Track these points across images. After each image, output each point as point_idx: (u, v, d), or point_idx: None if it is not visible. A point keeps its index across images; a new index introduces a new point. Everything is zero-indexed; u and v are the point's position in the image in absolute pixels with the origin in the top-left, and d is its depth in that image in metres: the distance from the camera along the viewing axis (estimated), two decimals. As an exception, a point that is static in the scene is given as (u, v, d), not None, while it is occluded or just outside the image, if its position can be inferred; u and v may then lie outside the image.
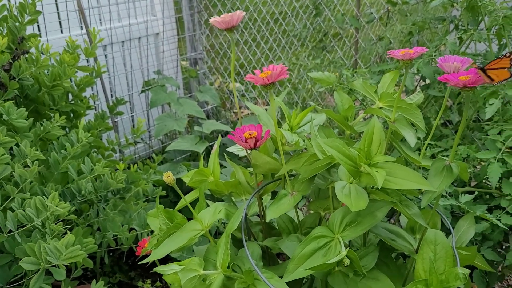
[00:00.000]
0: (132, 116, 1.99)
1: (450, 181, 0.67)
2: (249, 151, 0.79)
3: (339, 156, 0.65)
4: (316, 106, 0.82)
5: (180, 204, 0.89)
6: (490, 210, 1.17)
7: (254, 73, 0.70)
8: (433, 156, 1.18)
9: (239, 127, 0.80)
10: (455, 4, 1.29)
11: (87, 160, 1.12)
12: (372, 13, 1.68)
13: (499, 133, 1.19)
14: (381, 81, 0.88)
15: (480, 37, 1.13)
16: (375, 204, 0.67)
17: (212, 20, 0.76)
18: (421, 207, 0.73)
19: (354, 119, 0.87)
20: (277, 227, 0.87)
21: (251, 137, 0.77)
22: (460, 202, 0.99)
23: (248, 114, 2.53)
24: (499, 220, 1.08)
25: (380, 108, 0.84)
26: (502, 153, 1.02)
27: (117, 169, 1.23)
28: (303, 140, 0.79)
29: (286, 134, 0.76)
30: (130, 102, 1.98)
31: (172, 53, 2.20)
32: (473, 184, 1.25)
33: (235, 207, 0.83)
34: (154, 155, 1.52)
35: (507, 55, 0.64)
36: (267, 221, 0.76)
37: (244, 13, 0.78)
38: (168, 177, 0.72)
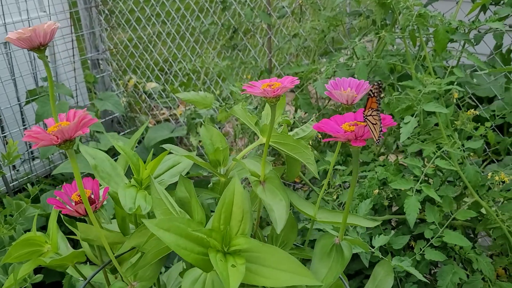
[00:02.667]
0: (22, 129, 1.69)
1: (341, 268, 0.48)
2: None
3: (179, 244, 0.44)
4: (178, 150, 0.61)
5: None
6: (414, 238, 1.02)
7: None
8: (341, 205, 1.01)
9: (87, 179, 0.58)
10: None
11: None
12: (284, 7, 1.48)
13: (420, 153, 1.03)
14: (266, 106, 0.68)
15: (392, 40, 0.96)
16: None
17: (7, 37, 0.53)
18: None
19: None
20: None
21: (80, 201, 0.55)
22: (374, 247, 0.82)
23: (168, 115, 2.29)
24: (422, 254, 0.93)
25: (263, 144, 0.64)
26: (420, 182, 0.86)
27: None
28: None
29: (122, 195, 0.54)
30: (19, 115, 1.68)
31: (69, 54, 1.92)
32: (394, 208, 1.10)
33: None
34: (29, 185, 1.26)
35: (372, 91, 0.46)
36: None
37: (58, 24, 0.55)
38: None
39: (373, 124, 0.44)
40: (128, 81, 2.29)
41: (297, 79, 0.48)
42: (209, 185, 0.73)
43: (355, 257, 1.01)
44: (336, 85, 0.56)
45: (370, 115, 0.44)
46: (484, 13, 1.14)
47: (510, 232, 0.93)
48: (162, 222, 0.44)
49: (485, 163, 1.23)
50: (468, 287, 0.95)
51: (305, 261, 0.58)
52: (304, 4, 1.44)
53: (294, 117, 0.96)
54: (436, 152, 0.89)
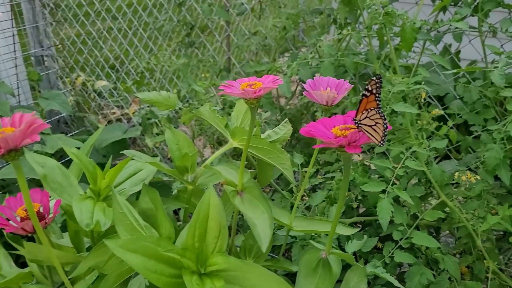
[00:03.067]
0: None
1: (329, 286, 0.44)
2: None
3: (147, 267, 0.39)
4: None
5: None
6: (381, 240, 1.01)
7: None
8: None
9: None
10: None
11: None
12: (243, 3, 1.44)
13: (387, 152, 1.02)
14: (235, 108, 0.63)
15: (359, 38, 0.93)
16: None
17: None
18: None
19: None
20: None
21: (27, 217, 0.48)
22: (348, 253, 0.79)
23: (120, 115, 2.18)
24: (392, 257, 0.91)
25: (235, 148, 0.59)
26: (392, 184, 0.84)
27: None
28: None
29: (77, 209, 0.48)
30: None
31: (10, 50, 1.78)
32: (361, 209, 1.08)
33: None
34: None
35: (370, 87, 0.42)
36: None
37: None
38: None
39: (372, 126, 0.40)
40: (76, 79, 2.17)
41: (279, 78, 0.43)
42: (173, 192, 0.68)
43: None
44: (315, 85, 0.53)
45: (366, 117, 0.40)
46: (444, 14, 1.14)
47: (475, 231, 0.93)
48: (128, 243, 0.39)
49: (437, 159, 1.24)
50: (435, 287, 0.95)
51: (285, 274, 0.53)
52: (264, 1, 1.40)
53: (260, 118, 0.92)
54: (405, 152, 0.88)
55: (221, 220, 0.42)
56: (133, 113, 2.01)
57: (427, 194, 1.01)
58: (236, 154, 1.12)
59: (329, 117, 0.42)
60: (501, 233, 1.08)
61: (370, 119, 0.40)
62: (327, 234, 0.81)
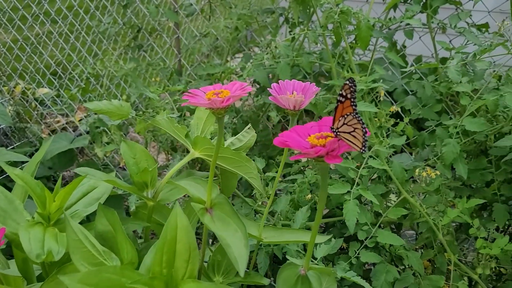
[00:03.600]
0: None
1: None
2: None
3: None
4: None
5: None
6: (346, 240, 1.00)
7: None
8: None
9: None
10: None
11: None
12: (191, 4, 1.39)
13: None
14: (194, 115, 0.60)
15: (315, 37, 0.92)
16: None
17: None
18: None
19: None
20: None
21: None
22: (316, 259, 0.77)
23: (65, 123, 2.07)
24: (357, 257, 0.91)
25: (197, 158, 0.56)
26: (357, 185, 0.83)
27: None
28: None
29: (24, 238, 0.42)
30: None
31: None
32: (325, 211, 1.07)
33: None
34: None
35: (344, 92, 0.40)
36: None
37: None
38: None
39: (351, 132, 0.38)
40: (15, 87, 2.03)
41: (247, 85, 0.40)
42: (131, 209, 0.63)
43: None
44: (280, 89, 0.50)
45: (344, 124, 0.38)
46: (394, 11, 1.16)
47: (436, 225, 0.94)
48: (88, 277, 0.34)
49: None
50: (400, 283, 0.95)
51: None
52: (214, 1, 1.36)
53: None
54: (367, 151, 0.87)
55: (190, 241, 0.38)
56: (79, 121, 1.91)
57: (388, 192, 1.02)
58: (195, 162, 1.08)
59: (302, 124, 0.40)
60: (457, 224, 1.10)
61: (348, 125, 0.38)
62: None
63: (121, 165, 1.61)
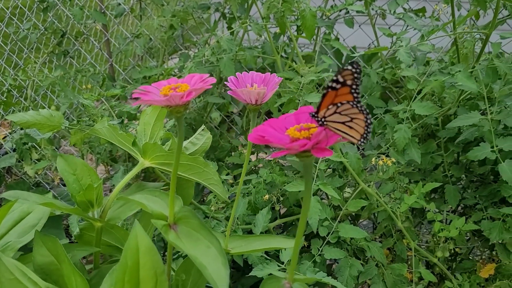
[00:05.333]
0: None
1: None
2: None
3: None
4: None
5: None
6: (306, 238, 0.97)
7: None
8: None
9: None
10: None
11: None
12: (120, 4, 1.30)
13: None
14: (140, 121, 0.53)
15: (259, 29, 0.87)
16: None
17: None
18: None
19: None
20: None
21: None
22: (283, 263, 0.73)
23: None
24: (321, 255, 0.87)
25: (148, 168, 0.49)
26: (316, 183, 0.79)
27: None
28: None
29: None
30: None
31: None
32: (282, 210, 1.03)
33: None
34: None
35: (342, 77, 0.35)
36: None
37: None
38: None
39: (346, 122, 0.33)
40: None
41: (208, 75, 0.35)
42: (74, 232, 0.55)
43: (249, 269, 0.91)
44: (239, 82, 0.45)
45: (336, 113, 0.33)
46: (333, 0, 1.14)
47: (394, 213, 0.93)
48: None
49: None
50: (365, 276, 0.93)
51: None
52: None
53: (165, 126, 0.81)
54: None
55: (156, 266, 0.32)
56: (3, 138, 1.75)
57: (344, 184, 1.00)
58: (139, 172, 1.00)
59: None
60: (410, 209, 1.10)
61: (342, 114, 0.34)
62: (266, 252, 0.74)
63: (56, 182, 1.48)
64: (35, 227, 0.45)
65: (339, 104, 0.34)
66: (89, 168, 0.49)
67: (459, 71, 0.77)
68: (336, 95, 0.34)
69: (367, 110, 0.34)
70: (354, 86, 0.35)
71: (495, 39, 0.91)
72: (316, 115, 0.34)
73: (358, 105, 0.34)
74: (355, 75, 0.34)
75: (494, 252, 1.01)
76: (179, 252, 0.68)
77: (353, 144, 0.32)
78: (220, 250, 0.35)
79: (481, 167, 0.95)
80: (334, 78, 0.34)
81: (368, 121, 0.35)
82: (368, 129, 0.34)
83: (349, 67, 0.34)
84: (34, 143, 1.38)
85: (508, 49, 1.12)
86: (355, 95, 0.35)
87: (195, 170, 0.47)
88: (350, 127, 0.34)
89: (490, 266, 0.92)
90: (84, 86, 1.40)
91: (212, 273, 0.33)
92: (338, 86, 0.34)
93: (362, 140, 0.34)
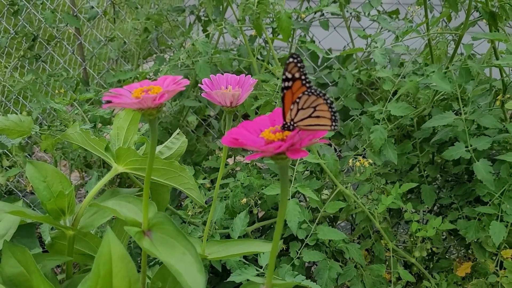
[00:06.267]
0: None
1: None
2: None
3: None
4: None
5: None
6: (285, 241, 0.96)
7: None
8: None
9: None
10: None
11: None
12: (93, 7, 1.28)
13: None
14: (113, 125, 0.52)
15: (234, 32, 0.87)
16: None
17: None
18: None
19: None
20: None
21: None
22: (262, 268, 0.72)
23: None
24: (300, 257, 0.87)
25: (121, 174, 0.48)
26: (293, 183, 0.79)
27: None
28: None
29: None
30: None
31: None
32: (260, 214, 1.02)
33: None
34: None
35: (289, 73, 0.34)
36: None
37: None
38: None
39: (311, 114, 0.32)
40: None
41: (181, 77, 0.34)
42: (46, 241, 0.53)
43: (227, 274, 0.90)
44: (213, 84, 0.44)
45: (299, 109, 0.33)
46: (308, 3, 1.14)
47: (372, 214, 0.94)
48: None
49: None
50: (344, 278, 0.93)
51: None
52: (118, 2, 1.26)
53: (140, 130, 0.80)
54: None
55: (130, 274, 0.31)
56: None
57: (322, 186, 1.00)
58: (113, 178, 0.98)
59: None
60: (387, 209, 1.11)
61: (304, 108, 0.33)
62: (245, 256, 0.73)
63: (28, 190, 1.45)
64: (3, 237, 0.43)
65: (297, 100, 0.33)
66: (61, 174, 0.47)
67: (433, 72, 0.78)
68: (293, 93, 0.33)
69: (323, 92, 0.34)
70: (303, 77, 0.34)
71: (467, 41, 0.92)
72: (285, 122, 0.34)
73: (313, 91, 0.33)
74: (298, 64, 0.34)
75: (470, 251, 1.02)
76: (155, 259, 0.66)
77: (329, 130, 0.31)
78: (196, 257, 0.34)
79: (456, 166, 0.97)
80: (284, 77, 0.34)
81: (329, 101, 0.34)
82: (333, 109, 0.34)
83: (290, 59, 0.33)
84: (5, 150, 1.34)
85: (480, 50, 1.14)
86: (307, 85, 0.34)
87: (171, 175, 0.46)
88: (318, 117, 0.33)
89: (467, 264, 0.93)
90: (57, 91, 1.37)
91: (188, 280, 0.32)
92: (290, 83, 0.34)
93: (334, 124, 0.33)
